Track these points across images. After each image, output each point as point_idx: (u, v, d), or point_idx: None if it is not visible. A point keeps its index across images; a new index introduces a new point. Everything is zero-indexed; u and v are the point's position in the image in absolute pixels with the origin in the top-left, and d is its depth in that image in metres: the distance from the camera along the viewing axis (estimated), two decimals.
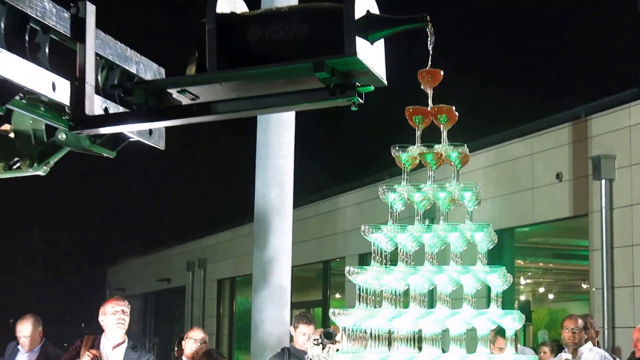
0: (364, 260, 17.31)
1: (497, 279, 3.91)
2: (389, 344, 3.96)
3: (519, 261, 18.39)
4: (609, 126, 14.15)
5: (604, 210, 13.74)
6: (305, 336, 9.02)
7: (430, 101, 3.99)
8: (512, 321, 3.87)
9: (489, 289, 3.97)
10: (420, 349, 3.97)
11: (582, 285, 16.67)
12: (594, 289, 14.02)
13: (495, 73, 26.34)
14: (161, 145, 4.70)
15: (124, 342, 7.86)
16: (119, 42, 4.35)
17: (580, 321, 9.91)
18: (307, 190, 18.95)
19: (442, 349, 4.00)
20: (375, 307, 3.98)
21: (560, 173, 14.86)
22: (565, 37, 26.01)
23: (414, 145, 4.06)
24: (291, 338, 9.66)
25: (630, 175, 13.58)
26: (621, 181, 13.73)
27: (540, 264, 20.78)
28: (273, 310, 12.47)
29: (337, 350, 6.78)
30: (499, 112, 20.15)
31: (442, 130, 4.03)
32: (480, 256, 3.99)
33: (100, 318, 7.82)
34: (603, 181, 13.76)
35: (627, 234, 13.52)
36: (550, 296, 22.67)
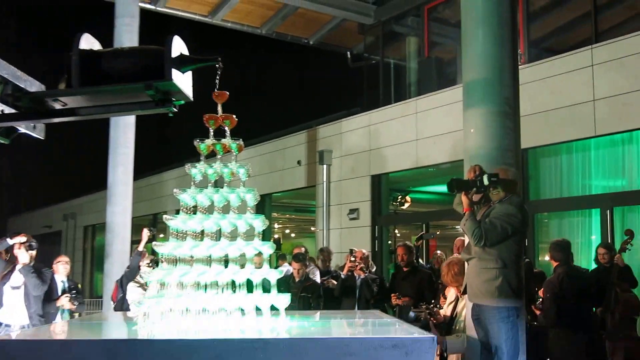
0: (178, 212, 17.01)
1: (259, 223, 3.90)
2: (191, 265, 3.88)
3: (275, 214, 18.63)
4: (330, 132, 14.57)
5: (324, 183, 14.14)
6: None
7: (219, 111, 3.92)
8: (269, 248, 3.88)
9: (254, 229, 3.95)
10: (210, 266, 3.91)
11: (312, 228, 17.03)
12: (318, 230, 14.41)
13: (244, 94, 25.56)
14: (42, 135, 4.38)
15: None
16: (12, 66, 4.01)
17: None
18: (143, 168, 18.28)
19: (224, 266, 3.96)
20: (183, 240, 3.89)
21: (300, 160, 15.16)
22: (298, 81, 26.08)
23: (209, 138, 3.99)
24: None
25: (340, 163, 14.05)
26: (335, 166, 14.18)
27: (287, 215, 21.12)
28: (118, 245, 12.01)
29: None
30: (265, 121, 20.15)
31: (226, 130, 3.97)
32: (249, 209, 3.97)
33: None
34: (325, 166, 14.17)
35: (338, 197, 13.99)
36: (293, 235, 23.05)
